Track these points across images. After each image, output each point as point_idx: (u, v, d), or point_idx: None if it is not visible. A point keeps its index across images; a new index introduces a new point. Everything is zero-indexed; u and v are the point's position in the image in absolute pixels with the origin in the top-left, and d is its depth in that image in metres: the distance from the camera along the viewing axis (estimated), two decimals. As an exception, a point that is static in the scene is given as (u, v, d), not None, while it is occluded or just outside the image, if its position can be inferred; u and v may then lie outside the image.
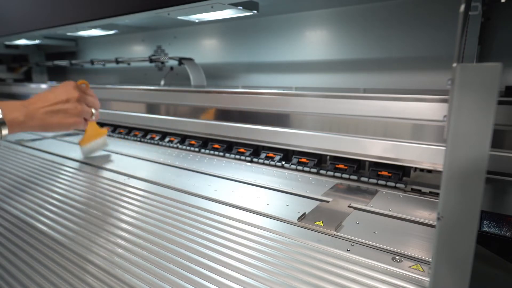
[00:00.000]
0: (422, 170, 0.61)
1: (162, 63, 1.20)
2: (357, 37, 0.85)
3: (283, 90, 0.74)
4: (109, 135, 1.09)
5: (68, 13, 0.96)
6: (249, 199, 0.56)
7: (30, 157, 0.84)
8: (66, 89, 0.67)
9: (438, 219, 0.28)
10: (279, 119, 0.72)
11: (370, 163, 0.64)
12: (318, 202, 0.53)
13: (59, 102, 0.64)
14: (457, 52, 0.37)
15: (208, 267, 0.38)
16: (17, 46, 1.74)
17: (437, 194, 0.55)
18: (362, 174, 0.63)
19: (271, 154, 0.76)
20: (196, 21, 0.91)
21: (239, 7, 0.74)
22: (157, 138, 0.97)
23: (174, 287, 0.35)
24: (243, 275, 0.36)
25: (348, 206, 0.52)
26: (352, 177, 0.63)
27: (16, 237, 0.50)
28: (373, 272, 0.35)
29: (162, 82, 1.16)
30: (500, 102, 0.48)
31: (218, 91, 0.81)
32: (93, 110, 0.72)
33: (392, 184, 0.59)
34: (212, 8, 0.73)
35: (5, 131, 0.57)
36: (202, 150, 0.85)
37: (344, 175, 0.64)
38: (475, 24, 0.63)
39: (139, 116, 1.01)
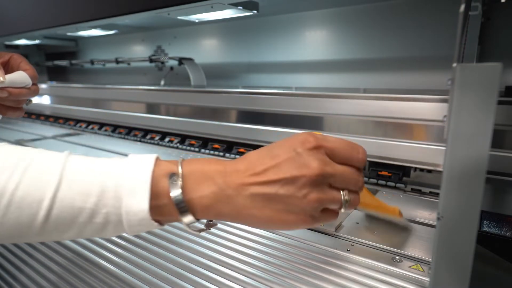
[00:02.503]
0: (422, 170, 0.61)
1: (162, 63, 1.20)
2: (357, 37, 0.85)
3: (283, 90, 0.74)
4: (109, 135, 1.09)
5: (68, 13, 0.96)
6: (249, 199, 0.55)
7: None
8: (296, 151, 0.30)
9: (438, 219, 0.28)
10: (279, 119, 0.72)
11: (370, 163, 0.64)
12: (318, 202, 0.53)
13: (277, 179, 0.29)
14: (457, 52, 0.36)
15: (208, 267, 0.38)
16: (17, 46, 1.73)
17: (437, 194, 0.55)
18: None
19: (271, 154, 0.76)
20: (196, 21, 0.91)
21: (239, 7, 0.74)
22: (157, 138, 0.96)
23: (174, 287, 0.35)
24: (243, 275, 0.36)
25: (348, 206, 0.52)
26: (352, 177, 0.63)
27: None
28: (373, 272, 0.35)
29: (162, 82, 1.16)
30: (500, 102, 0.48)
31: (218, 91, 0.81)
32: (345, 196, 0.30)
33: (392, 184, 0.59)
34: (212, 8, 0.73)
35: (187, 219, 0.29)
36: (202, 150, 0.85)
37: (344, 175, 0.64)
38: (475, 24, 0.63)
39: (139, 116, 1.01)
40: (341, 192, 0.30)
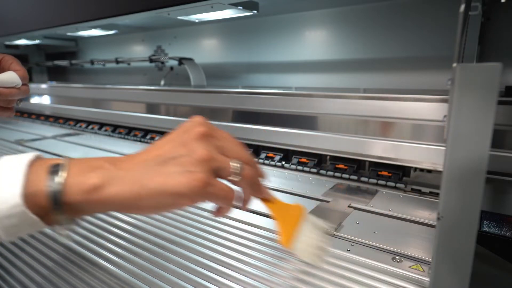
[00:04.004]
0: (422, 170, 0.61)
1: (162, 63, 1.20)
2: (357, 37, 0.85)
3: (283, 90, 0.74)
4: (109, 135, 1.09)
5: (68, 13, 0.96)
6: (249, 199, 0.55)
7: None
8: (184, 127, 0.33)
9: (438, 219, 0.28)
10: (279, 119, 0.72)
11: (370, 163, 0.64)
12: (318, 202, 0.53)
13: (169, 148, 0.31)
14: (457, 52, 0.36)
15: (208, 267, 0.38)
16: (17, 46, 1.73)
17: (437, 194, 0.55)
18: (362, 174, 0.63)
19: (271, 154, 0.76)
20: (196, 21, 0.91)
21: (239, 7, 0.74)
22: (157, 138, 0.96)
23: (174, 287, 0.35)
24: (243, 275, 0.36)
25: (348, 206, 0.52)
26: (352, 177, 0.63)
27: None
28: (373, 272, 0.35)
29: (162, 82, 1.16)
30: (500, 102, 0.48)
31: (218, 91, 0.81)
32: (237, 164, 0.32)
33: (392, 184, 0.59)
34: (212, 8, 0.73)
35: (60, 216, 0.26)
36: (202, 150, 0.85)
37: (344, 175, 0.64)
38: (475, 24, 0.63)
39: (139, 116, 1.01)
40: (232, 162, 0.31)
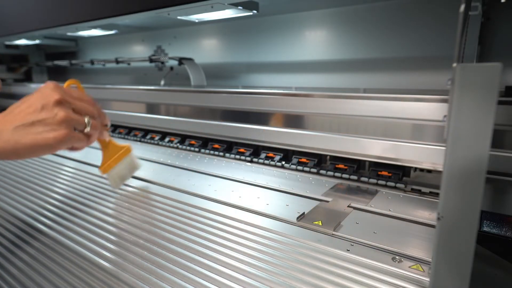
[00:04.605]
0: (422, 170, 0.61)
1: (162, 63, 1.20)
2: (357, 37, 0.85)
3: (283, 90, 0.74)
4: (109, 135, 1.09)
5: (68, 13, 0.96)
6: (249, 199, 0.56)
7: (30, 157, 0.84)
8: (42, 93, 0.43)
9: (438, 219, 0.28)
10: (279, 119, 0.72)
11: (370, 163, 0.64)
12: (318, 202, 0.53)
13: (33, 112, 0.41)
14: (457, 52, 0.36)
15: (208, 267, 0.38)
16: (17, 46, 1.73)
17: (437, 194, 0.55)
18: (362, 174, 0.63)
19: (271, 154, 0.76)
20: (196, 21, 0.91)
21: (239, 7, 0.74)
22: (157, 138, 0.96)
23: (174, 287, 0.35)
24: (243, 275, 0.36)
25: (348, 206, 0.52)
26: (352, 177, 0.63)
27: (16, 237, 0.50)
28: (373, 272, 0.35)
29: (162, 82, 1.16)
30: (500, 102, 0.48)
31: (218, 91, 0.81)
32: (86, 119, 0.46)
33: (392, 184, 0.59)
34: (212, 8, 0.73)
35: None
36: (202, 150, 0.85)
37: (344, 175, 0.64)
38: (475, 24, 0.63)
39: (139, 116, 1.01)
40: (85, 118, 0.45)
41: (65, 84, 0.53)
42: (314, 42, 0.93)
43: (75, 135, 0.44)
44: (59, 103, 0.42)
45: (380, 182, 0.60)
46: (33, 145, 0.40)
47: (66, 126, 0.42)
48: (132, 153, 0.60)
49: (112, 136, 1.08)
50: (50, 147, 0.41)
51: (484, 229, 0.50)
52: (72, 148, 0.48)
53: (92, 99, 0.49)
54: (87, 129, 0.46)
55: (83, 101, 0.46)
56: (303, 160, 0.71)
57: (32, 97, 0.43)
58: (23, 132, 0.40)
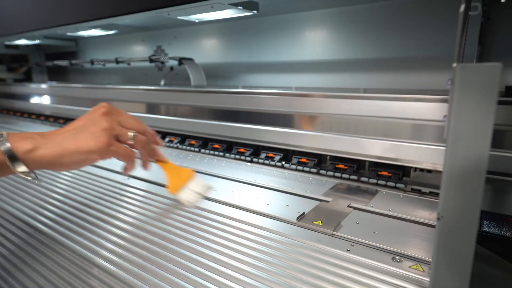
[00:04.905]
0: (422, 170, 0.61)
1: (162, 63, 1.20)
2: (357, 37, 0.85)
3: (283, 90, 0.74)
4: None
5: (68, 13, 0.96)
6: (249, 199, 0.56)
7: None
8: (92, 109, 0.47)
9: (438, 219, 0.28)
10: (279, 119, 0.72)
11: (370, 163, 0.64)
12: (318, 202, 0.53)
13: (81, 123, 0.45)
14: (457, 52, 0.36)
15: (208, 267, 0.38)
16: (17, 46, 1.74)
17: (437, 194, 0.55)
18: (362, 174, 0.63)
19: (271, 154, 0.76)
20: (196, 21, 0.91)
21: (239, 7, 0.74)
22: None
23: (174, 287, 0.35)
24: (243, 275, 0.36)
25: (348, 206, 0.52)
26: (352, 177, 0.63)
27: (16, 237, 0.50)
28: (373, 272, 0.35)
29: (162, 82, 1.16)
30: (500, 102, 0.48)
31: (218, 91, 0.81)
32: (130, 132, 0.47)
33: (392, 184, 0.59)
34: (212, 8, 0.73)
35: (20, 168, 0.40)
36: (202, 150, 0.85)
37: (344, 175, 0.64)
38: (475, 24, 0.63)
39: (139, 116, 1.01)
40: (129, 131, 0.47)
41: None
42: (314, 42, 0.93)
43: (117, 145, 0.45)
44: (105, 114, 0.46)
45: (380, 182, 0.60)
46: (76, 150, 0.42)
47: (109, 135, 0.44)
48: (196, 176, 0.57)
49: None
50: (90, 152, 0.43)
51: (484, 229, 0.50)
52: (124, 170, 0.50)
53: (140, 120, 0.50)
54: (131, 141, 0.47)
55: (129, 117, 0.48)
56: (303, 160, 0.71)
57: (85, 114, 0.47)
58: (70, 139, 0.43)
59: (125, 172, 0.50)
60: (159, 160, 0.55)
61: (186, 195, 0.53)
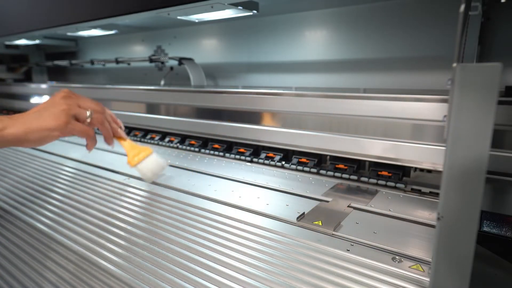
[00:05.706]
0: (422, 170, 0.61)
1: (162, 63, 1.20)
2: (357, 37, 0.85)
3: (283, 90, 0.74)
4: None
5: (68, 13, 0.96)
6: (249, 199, 0.56)
7: (30, 157, 0.84)
8: (53, 94, 0.54)
9: (438, 219, 0.28)
10: (279, 119, 0.72)
11: (370, 163, 0.64)
12: (318, 202, 0.53)
13: (43, 106, 0.52)
14: (457, 52, 0.36)
15: (208, 267, 0.38)
16: (17, 46, 1.74)
17: (437, 194, 0.55)
18: (362, 174, 0.63)
19: (271, 154, 0.76)
20: (196, 21, 0.91)
21: (239, 7, 0.74)
22: (157, 138, 0.96)
23: (174, 287, 0.35)
24: (243, 275, 0.36)
25: (348, 206, 0.52)
26: (352, 177, 0.63)
27: (16, 237, 0.50)
28: (373, 272, 0.35)
29: (162, 82, 1.16)
30: (500, 102, 0.48)
31: (218, 91, 0.81)
32: (88, 112, 0.54)
33: (392, 184, 0.59)
34: (212, 8, 0.73)
35: None
36: (202, 150, 0.85)
37: (344, 175, 0.64)
38: (475, 24, 0.63)
39: (139, 116, 1.01)
40: (87, 111, 0.54)
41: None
42: (314, 42, 0.93)
43: (74, 124, 0.52)
44: (64, 98, 0.53)
45: (380, 182, 0.60)
46: (39, 128, 0.49)
47: (67, 114, 0.51)
48: (155, 153, 0.64)
49: (112, 136, 1.08)
50: (52, 130, 0.50)
51: (484, 229, 0.50)
52: (87, 147, 0.57)
53: (98, 103, 0.57)
54: (88, 120, 0.54)
55: (87, 100, 0.55)
56: (303, 160, 0.71)
57: (48, 99, 0.54)
58: (32, 119, 0.50)
59: (87, 148, 0.57)
60: (119, 138, 0.62)
61: (143, 168, 0.61)
